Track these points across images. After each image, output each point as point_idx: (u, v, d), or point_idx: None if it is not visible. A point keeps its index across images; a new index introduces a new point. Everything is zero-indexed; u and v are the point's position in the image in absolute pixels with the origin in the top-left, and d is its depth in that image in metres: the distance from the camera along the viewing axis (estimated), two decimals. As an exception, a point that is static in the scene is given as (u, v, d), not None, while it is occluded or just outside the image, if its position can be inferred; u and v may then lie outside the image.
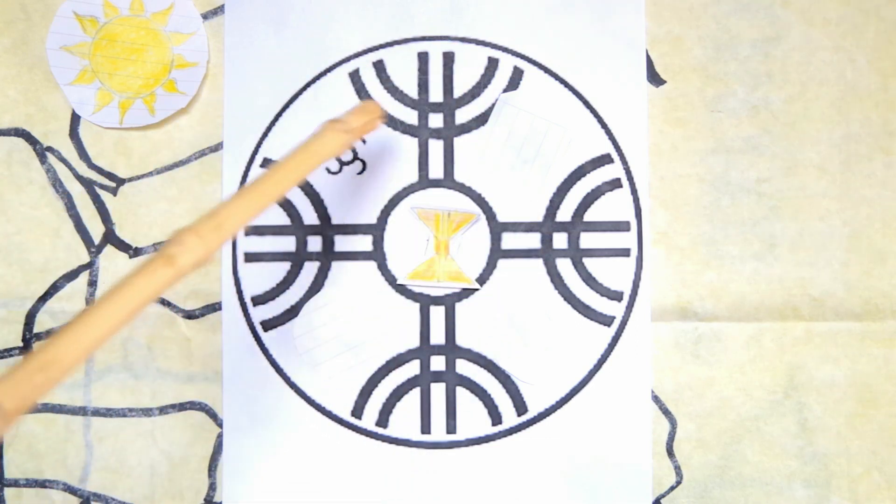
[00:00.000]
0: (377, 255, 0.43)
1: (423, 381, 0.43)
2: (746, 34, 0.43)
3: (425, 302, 0.43)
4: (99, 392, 0.43)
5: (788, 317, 0.43)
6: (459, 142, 0.44)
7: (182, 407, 0.43)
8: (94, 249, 0.44)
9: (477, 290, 0.43)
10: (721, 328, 0.43)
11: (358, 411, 0.43)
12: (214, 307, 0.43)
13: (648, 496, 0.43)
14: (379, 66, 0.44)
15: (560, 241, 0.43)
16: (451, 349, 0.43)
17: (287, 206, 0.44)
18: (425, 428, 0.43)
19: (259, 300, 0.43)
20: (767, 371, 0.43)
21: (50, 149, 0.44)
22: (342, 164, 0.44)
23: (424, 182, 0.44)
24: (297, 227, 0.44)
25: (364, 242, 0.44)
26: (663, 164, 0.43)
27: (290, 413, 0.43)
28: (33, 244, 0.44)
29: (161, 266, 0.28)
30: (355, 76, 0.44)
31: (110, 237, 0.44)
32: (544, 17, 0.43)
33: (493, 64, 0.44)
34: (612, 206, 0.43)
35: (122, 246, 0.44)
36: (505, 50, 0.44)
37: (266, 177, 0.33)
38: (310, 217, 0.44)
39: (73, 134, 0.44)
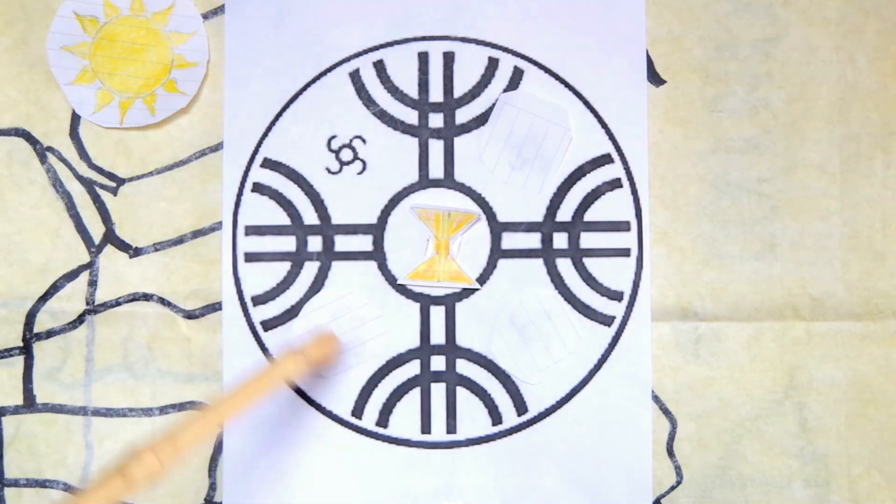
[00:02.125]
0: (377, 255, 0.43)
1: (423, 381, 0.43)
2: (746, 34, 0.43)
3: (425, 302, 0.43)
4: (99, 392, 0.43)
5: (788, 317, 0.43)
6: (459, 142, 0.44)
7: (182, 407, 0.43)
8: (94, 249, 0.44)
9: (477, 290, 0.43)
10: (721, 328, 0.43)
11: (358, 411, 0.43)
12: (214, 307, 0.43)
13: (648, 496, 0.43)
14: (379, 66, 0.44)
15: (560, 241, 0.43)
16: (451, 349, 0.43)
17: (287, 206, 0.44)
18: (425, 428, 0.43)
19: (259, 300, 0.43)
20: (767, 371, 0.43)
21: (50, 149, 0.44)
22: (342, 164, 0.44)
23: (424, 182, 0.44)
24: (297, 227, 0.44)
25: (364, 242, 0.44)
26: (663, 164, 0.43)
27: (290, 413, 0.43)
28: (33, 244, 0.44)
29: (117, 480, 0.31)
30: (355, 76, 0.44)
31: (110, 237, 0.44)
32: (544, 17, 0.43)
33: (493, 64, 0.44)
34: (612, 206, 0.43)
35: (122, 246, 0.44)
36: (505, 50, 0.44)
37: (224, 401, 0.36)
38: (310, 217, 0.44)
39: (74, 134, 0.44)
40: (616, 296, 0.43)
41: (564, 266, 0.43)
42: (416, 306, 0.43)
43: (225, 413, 0.35)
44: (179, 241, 0.44)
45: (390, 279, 0.43)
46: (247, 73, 0.44)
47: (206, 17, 0.44)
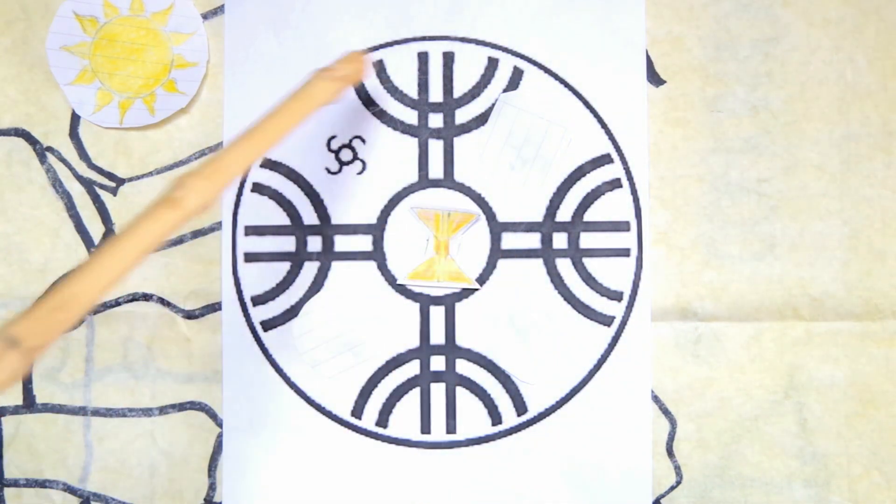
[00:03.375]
0: (377, 255, 0.43)
1: (423, 381, 0.43)
2: (746, 34, 0.43)
3: (425, 302, 0.43)
4: (99, 392, 0.43)
5: (788, 317, 0.43)
6: (459, 142, 0.44)
7: (182, 407, 0.43)
8: (94, 249, 0.44)
9: (477, 290, 0.43)
10: (721, 328, 0.43)
11: (358, 411, 0.43)
12: (214, 307, 0.43)
13: (648, 496, 0.43)
14: (379, 66, 0.44)
15: (560, 241, 0.43)
16: (451, 349, 0.43)
17: (287, 205, 0.44)
18: (425, 428, 0.43)
19: (259, 300, 0.43)
20: (767, 371, 0.43)
21: (50, 149, 0.44)
22: (342, 164, 0.44)
23: (424, 182, 0.44)
24: (297, 227, 0.44)
25: (364, 242, 0.44)
26: (663, 164, 0.43)
27: (290, 413, 0.43)
28: (33, 244, 0.44)
29: (167, 209, 0.29)
30: (355, 76, 0.44)
31: (110, 237, 0.44)
32: (544, 17, 0.43)
33: (493, 64, 0.44)
34: (612, 206, 0.43)
35: (122, 246, 0.44)
36: (505, 50, 0.44)
37: (262, 124, 0.33)
38: (310, 217, 0.44)
39: (73, 134, 0.44)
40: (616, 296, 0.43)
41: (564, 266, 0.43)
42: (416, 306, 0.43)
43: (264, 137, 0.33)
44: (179, 241, 0.44)
45: (390, 279, 0.43)
46: (247, 73, 0.44)
47: (205, 17, 0.44)
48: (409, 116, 0.44)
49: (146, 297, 0.44)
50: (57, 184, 0.44)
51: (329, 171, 0.44)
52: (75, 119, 0.44)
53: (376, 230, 0.44)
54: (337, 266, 0.43)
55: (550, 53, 0.43)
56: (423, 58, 0.44)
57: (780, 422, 0.43)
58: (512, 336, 0.43)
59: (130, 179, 0.44)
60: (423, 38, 0.44)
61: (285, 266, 0.44)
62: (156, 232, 0.28)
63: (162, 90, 0.43)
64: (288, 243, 0.44)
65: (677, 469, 0.43)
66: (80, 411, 0.43)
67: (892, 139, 0.43)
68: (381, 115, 0.44)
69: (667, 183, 0.43)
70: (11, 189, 0.44)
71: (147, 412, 0.43)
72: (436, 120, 0.44)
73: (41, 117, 0.44)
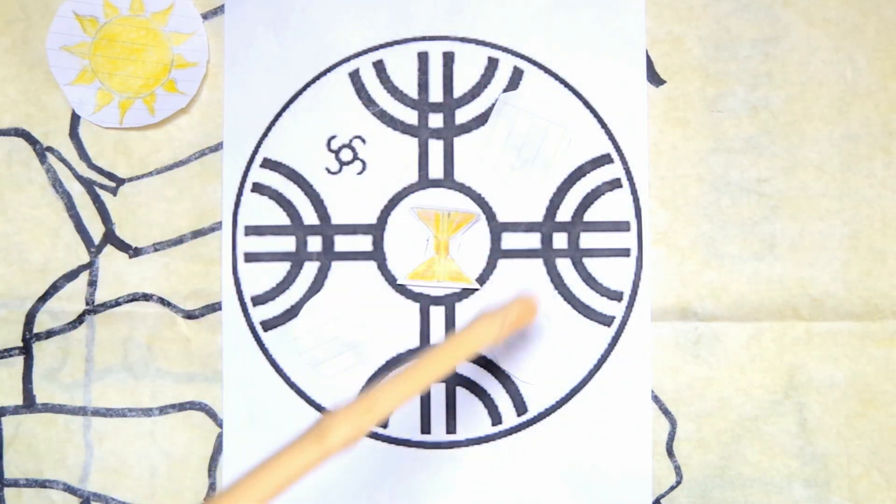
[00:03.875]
0: (377, 255, 0.43)
1: (423, 381, 0.43)
2: (746, 34, 0.43)
3: (425, 302, 0.43)
4: (99, 392, 0.43)
5: (788, 317, 0.43)
6: (459, 142, 0.44)
7: (182, 407, 0.43)
8: (94, 249, 0.44)
9: (477, 290, 0.43)
10: (721, 328, 0.43)
11: (358, 411, 0.43)
12: (214, 307, 0.43)
13: (648, 496, 0.43)
14: (379, 66, 0.44)
15: (560, 241, 0.43)
16: (451, 349, 0.43)
17: (287, 206, 0.44)
18: (425, 428, 0.43)
19: (259, 300, 0.43)
20: (767, 371, 0.43)
21: (50, 149, 0.44)
22: (342, 164, 0.44)
23: (424, 182, 0.44)
24: (297, 227, 0.44)
25: (364, 242, 0.44)
26: (663, 164, 0.43)
27: (290, 413, 0.43)
28: (33, 244, 0.44)
29: (313, 443, 0.30)
30: (355, 76, 0.44)
31: (110, 237, 0.44)
32: (544, 17, 0.43)
33: (493, 64, 0.44)
34: (612, 206, 0.43)
35: (122, 246, 0.44)
36: (505, 50, 0.44)
37: (420, 364, 0.34)
38: (310, 217, 0.44)
39: (73, 134, 0.44)
40: (616, 296, 0.43)
41: (564, 266, 0.43)
42: (416, 306, 0.43)
43: (423, 378, 0.33)
44: (179, 241, 0.44)
45: (390, 279, 0.43)
46: (247, 73, 0.44)
47: (205, 17, 0.44)
48: (409, 116, 0.44)
49: (146, 297, 0.44)
50: (57, 184, 0.44)
51: (329, 171, 0.44)
52: (75, 119, 0.44)
53: (376, 230, 0.44)
54: (337, 266, 0.43)
55: (550, 53, 0.43)
56: (423, 58, 0.44)
57: (780, 422, 0.43)
58: (512, 336, 0.43)
59: (130, 179, 0.44)
60: (423, 38, 0.44)
61: (285, 266, 0.44)
62: (298, 465, 0.29)
63: (162, 90, 0.43)
64: (288, 243, 0.44)
65: (677, 469, 0.43)
66: (80, 411, 0.43)
67: (892, 139, 0.43)
68: (381, 115, 0.44)
69: (667, 183, 0.43)
70: (11, 189, 0.44)
71: (147, 412, 0.43)
72: (436, 120, 0.44)
73: (41, 117, 0.44)
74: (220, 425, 0.43)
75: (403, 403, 0.33)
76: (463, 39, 0.44)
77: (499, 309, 0.37)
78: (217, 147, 0.44)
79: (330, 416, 0.30)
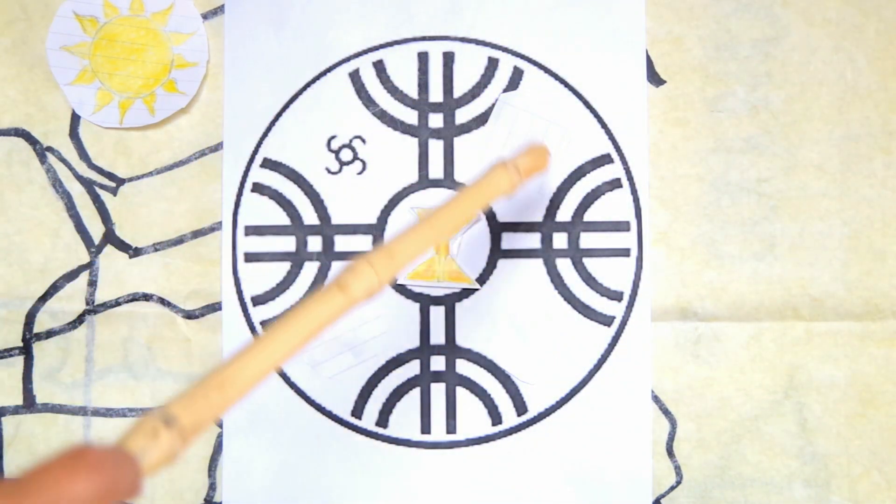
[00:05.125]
0: (377, 255, 0.43)
1: (423, 381, 0.43)
2: (746, 34, 0.43)
3: (425, 302, 0.43)
4: (99, 392, 0.43)
5: (788, 317, 0.43)
6: (459, 142, 0.44)
7: (182, 407, 0.43)
8: (94, 249, 0.44)
9: (477, 290, 0.43)
10: (721, 328, 0.43)
11: (358, 411, 0.43)
12: (214, 307, 0.43)
13: (648, 496, 0.43)
14: (379, 66, 0.44)
15: (560, 241, 0.43)
16: (451, 349, 0.43)
17: (287, 205, 0.44)
18: (425, 428, 0.43)
19: (259, 300, 0.43)
20: (767, 371, 0.43)
21: (50, 149, 0.44)
22: (342, 164, 0.44)
23: (424, 182, 0.44)
24: (297, 227, 0.44)
25: (364, 242, 0.44)
26: (663, 164, 0.43)
27: (290, 413, 0.43)
28: (33, 244, 0.44)
29: (335, 293, 0.29)
30: (355, 76, 0.44)
31: (110, 237, 0.44)
32: (544, 17, 0.43)
33: (493, 64, 0.44)
34: (612, 206, 0.43)
35: (122, 246, 0.44)
36: (505, 50, 0.44)
37: (436, 213, 0.33)
38: (310, 217, 0.44)
39: (73, 134, 0.44)
40: (616, 296, 0.43)
41: (564, 266, 0.43)
42: (416, 306, 0.43)
43: (440, 228, 0.33)
44: (179, 241, 0.44)
45: (390, 279, 0.43)
46: (247, 73, 0.44)
47: (205, 17, 0.44)
48: (409, 116, 0.44)
49: (146, 297, 0.44)
50: (57, 184, 0.44)
51: (329, 171, 0.44)
52: (75, 119, 0.44)
53: (376, 230, 0.44)
54: (337, 266, 0.43)
55: (550, 53, 0.43)
56: (423, 58, 0.44)
57: (780, 422, 0.43)
58: (512, 336, 0.43)
59: (130, 179, 0.44)
60: (423, 38, 0.44)
61: (285, 266, 0.44)
62: (322, 316, 0.28)
63: (162, 90, 0.43)
64: (288, 243, 0.44)
65: (677, 469, 0.43)
66: (80, 411, 0.43)
67: (892, 139, 0.43)
68: (381, 115, 0.44)
69: (667, 183, 0.43)
70: (11, 189, 0.44)
71: (147, 412, 0.43)
72: (436, 120, 0.44)
73: (41, 117, 0.44)
74: (220, 425, 0.43)
75: (422, 253, 0.32)
76: (463, 39, 0.44)
77: (511, 158, 0.36)
78: (217, 147, 0.44)
79: (352, 267, 0.29)
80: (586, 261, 0.43)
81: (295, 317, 0.28)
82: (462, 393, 0.43)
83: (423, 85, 0.44)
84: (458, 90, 0.44)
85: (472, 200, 0.34)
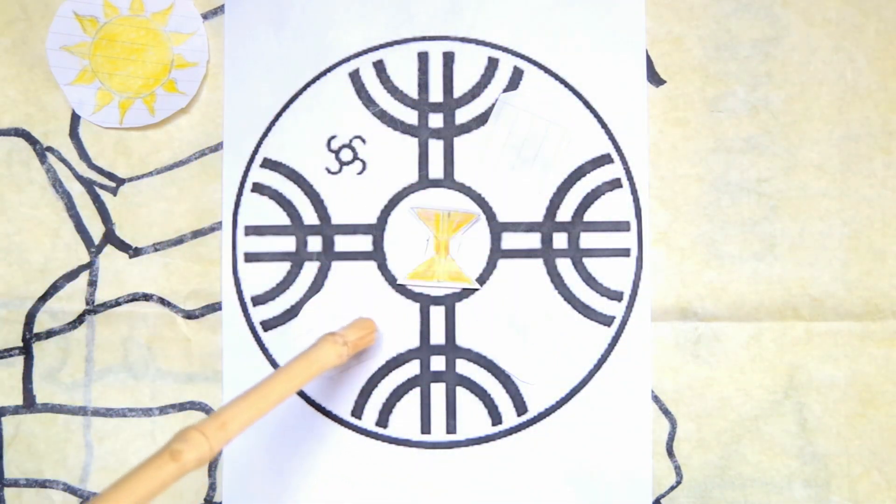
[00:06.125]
0: (377, 255, 0.43)
1: (423, 381, 0.43)
2: (746, 34, 0.43)
3: (425, 302, 0.43)
4: (99, 392, 0.43)
5: (788, 317, 0.43)
6: (459, 142, 0.44)
7: (182, 407, 0.43)
8: (94, 249, 0.44)
9: (477, 290, 0.43)
10: (721, 328, 0.43)
11: (358, 411, 0.43)
12: (214, 307, 0.43)
13: (648, 496, 0.43)
14: (379, 66, 0.44)
15: (560, 241, 0.43)
16: (451, 349, 0.43)
17: (287, 206, 0.44)
18: (425, 428, 0.43)
19: (259, 300, 0.43)
20: (767, 371, 0.43)
21: (50, 149, 0.44)
22: (342, 164, 0.44)
23: (424, 182, 0.44)
24: (297, 227, 0.44)
25: (364, 242, 0.44)
26: (663, 164, 0.43)
27: (290, 413, 0.43)
28: (33, 244, 0.44)
29: (167, 461, 0.30)
30: (355, 76, 0.44)
31: (110, 237, 0.44)
32: (544, 17, 0.43)
33: (493, 64, 0.44)
34: (612, 206, 0.43)
35: (122, 246, 0.44)
36: (505, 50, 0.44)
37: (268, 382, 0.35)
38: (310, 217, 0.44)
39: (73, 134, 0.44)
40: (616, 296, 0.43)
41: (564, 266, 0.43)
42: (416, 306, 0.43)
43: (269, 396, 0.34)
44: (179, 241, 0.44)
45: (390, 279, 0.43)
46: (247, 73, 0.44)
47: (205, 17, 0.44)
48: (409, 116, 0.44)
49: (146, 297, 0.44)
50: (57, 184, 0.44)
51: (329, 171, 0.44)
52: (75, 119, 0.44)
53: (376, 230, 0.44)
54: (337, 266, 0.43)
55: (550, 53, 0.43)
56: (423, 58, 0.44)
57: (780, 422, 0.43)
58: (512, 336, 0.43)
59: (130, 179, 0.44)
60: (423, 38, 0.44)
61: (285, 266, 0.44)
62: (152, 482, 0.29)
63: (162, 90, 0.43)
64: (288, 243, 0.44)
65: (677, 469, 0.43)
66: (80, 411, 0.43)
67: (892, 139, 0.43)
68: (381, 115, 0.44)
69: (667, 183, 0.43)
70: (11, 189, 0.44)
71: (147, 412, 0.43)
72: (436, 120, 0.44)
73: (41, 117, 0.44)
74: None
75: (254, 420, 0.34)
76: (463, 39, 0.44)
77: (340, 330, 0.39)
78: (217, 147, 0.44)
79: (184, 435, 0.31)
80: (586, 261, 0.43)
81: (125, 483, 0.29)
82: (462, 393, 0.43)
83: (423, 85, 0.44)
84: (458, 90, 0.44)
85: (301, 372, 0.36)
